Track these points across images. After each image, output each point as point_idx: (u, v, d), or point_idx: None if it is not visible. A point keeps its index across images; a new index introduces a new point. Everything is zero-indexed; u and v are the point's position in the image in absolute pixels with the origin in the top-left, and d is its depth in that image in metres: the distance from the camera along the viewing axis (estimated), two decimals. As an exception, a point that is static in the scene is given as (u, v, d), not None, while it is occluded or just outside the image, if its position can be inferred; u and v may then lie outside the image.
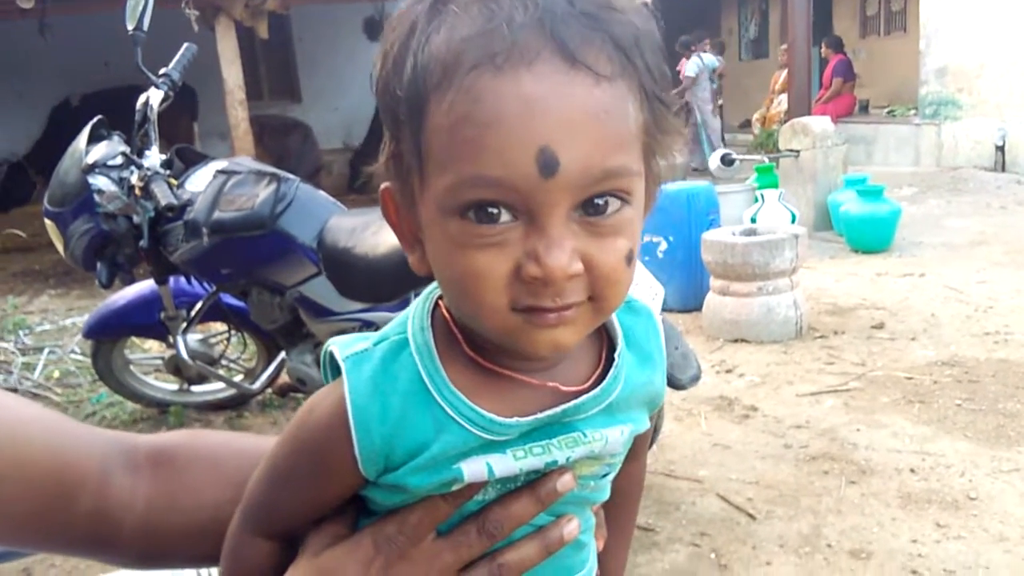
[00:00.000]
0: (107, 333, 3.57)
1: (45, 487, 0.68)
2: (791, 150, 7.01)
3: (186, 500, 0.75)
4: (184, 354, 3.28)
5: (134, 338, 3.94)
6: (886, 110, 12.09)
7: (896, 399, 3.57)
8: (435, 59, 0.52)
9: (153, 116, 2.93)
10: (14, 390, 4.23)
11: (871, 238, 6.31)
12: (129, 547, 0.74)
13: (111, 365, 3.68)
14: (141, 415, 3.90)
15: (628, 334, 0.65)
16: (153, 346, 4.28)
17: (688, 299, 5.00)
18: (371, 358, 0.60)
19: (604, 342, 0.65)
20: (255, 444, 0.77)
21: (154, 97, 2.93)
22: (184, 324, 3.29)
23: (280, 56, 12.05)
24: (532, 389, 0.60)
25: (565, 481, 0.62)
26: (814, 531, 2.62)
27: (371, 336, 0.62)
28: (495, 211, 0.52)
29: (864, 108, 12.60)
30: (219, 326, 3.75)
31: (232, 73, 7.91)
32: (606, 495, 0.69)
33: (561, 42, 0.51)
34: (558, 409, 0.60)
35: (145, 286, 3.40)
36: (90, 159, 2.95)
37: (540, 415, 0.59)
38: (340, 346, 0.61)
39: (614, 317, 0.65)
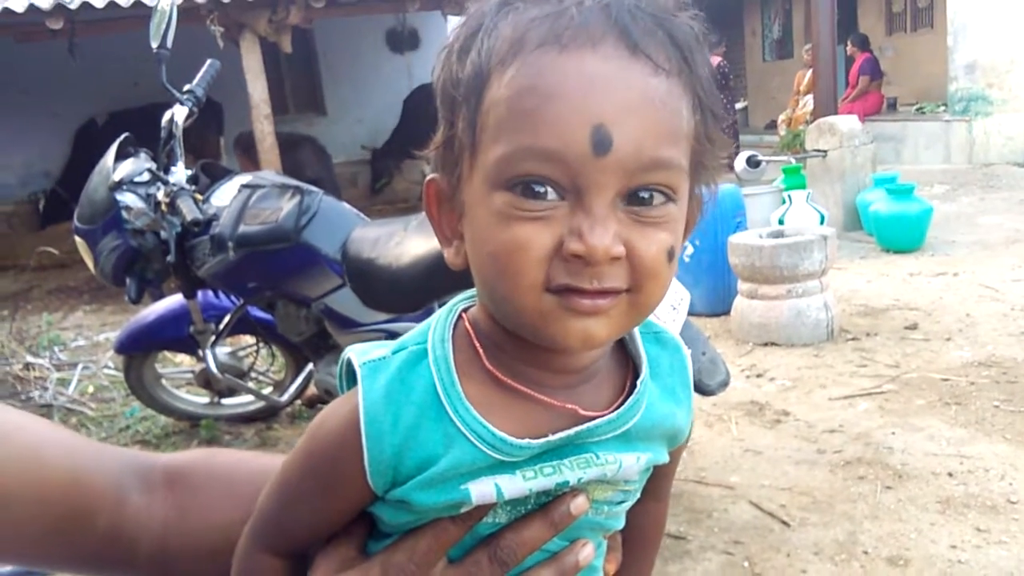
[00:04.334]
0: (138, 348, 3.62)
1: (61, 507, 0.68)
2: (818, 150, 6.92)
3: (201, 520, 0.74)
4: (214, 367, 3.31)
5: (165, 352, 3.99)
6: (915, 107, 11.91)
7: (932, 401, 3.50)
8: (502, 39, 0.54)
9: (178, 132, 2.97)
10: (49, 406, 4.30)
11: (902, 237, 6.21)
12: (145, 567, 0.73)
13: (143, 379, 3.73)
14: (173, 428, 3.94)
15: (654, 365, 0.65)
16: (184, 360, 4.33)
17: (716, 303, 4.95)
18: (388, 367, 0.59)
19: (629, 370, 0.64)
20: (271, 463, 0.77)
21: (179, 114, 2.96)
22: (213, 338, 3.32)
23: (304, 70, 12.16)
24: (549, 410, 0.59)
25: (579, 504, 0.60)
26: (850, 538, 2.57)
27: (390, 344, 0.61)
28: (542, 189, 0.53)
29: (892, 106, 12.43)
30: (248, 339, 3.78)
31: (257, 88, 7.99)
32: (621, 523, 0.68)
33: (625, 30, 0.53)
34: (571, 431, 0.59)
35: (174, 300, 3.44)
36: (117, 176, 2.99)
37: (552, 438, 0.58)
38: (358, 354, 0.61)
39: (641, 346, 0.64)
